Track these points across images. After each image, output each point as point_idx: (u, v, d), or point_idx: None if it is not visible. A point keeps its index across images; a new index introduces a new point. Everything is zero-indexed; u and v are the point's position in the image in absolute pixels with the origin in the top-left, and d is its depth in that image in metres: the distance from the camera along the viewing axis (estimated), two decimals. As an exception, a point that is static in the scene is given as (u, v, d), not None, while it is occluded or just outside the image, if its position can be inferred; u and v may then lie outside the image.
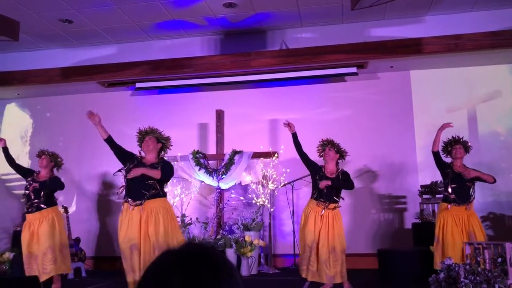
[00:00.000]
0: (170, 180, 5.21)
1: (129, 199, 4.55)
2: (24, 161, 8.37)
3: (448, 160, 5.40)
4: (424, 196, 6.66)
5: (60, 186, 5.55)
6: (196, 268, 0.93)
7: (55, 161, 5.68)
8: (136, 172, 4.46)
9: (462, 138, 5.37)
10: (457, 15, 7.05)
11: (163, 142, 4.83)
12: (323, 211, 4.98)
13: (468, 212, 5.11)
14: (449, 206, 5.12)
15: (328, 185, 4.98)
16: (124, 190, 4.67)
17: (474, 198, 5.19)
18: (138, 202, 4.51)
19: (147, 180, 4.53)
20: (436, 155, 5.28)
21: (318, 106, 7.60)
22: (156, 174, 4.56)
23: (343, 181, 5.11)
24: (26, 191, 5.47)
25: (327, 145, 5.21)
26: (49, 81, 7.73)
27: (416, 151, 7.21)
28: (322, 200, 5.04)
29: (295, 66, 7.20)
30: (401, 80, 7.46)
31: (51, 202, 5.50)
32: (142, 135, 4.81)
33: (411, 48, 6.78)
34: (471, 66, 7.21)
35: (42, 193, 5.38)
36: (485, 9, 6.94)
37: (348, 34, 7.18)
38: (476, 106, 7.24)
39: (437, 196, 6.57)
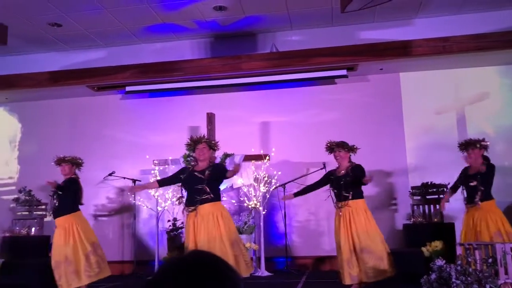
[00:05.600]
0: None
1: (186, 207, 4.77)
2: (14, 167, 8.30)
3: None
4: (415, 197, 6.70)
5: (72, 186, 5.41)
6: (201, 274, 0.98)
7: (75, 163, 5.61)
8: (137, 189, 5.14)
9: (484, 139, 5.39)
10: (445, 17, 7.13)
11: (214, 148, 5.04)
12: (340, 211, 4.94)
13: (479, 211, 5.10)
14: (466, 208, 5.35)
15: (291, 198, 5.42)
16: (184, 199, 4.85)
17: (481, 195, 5.11)
18: (191, 208, 4.66)
19: (196, 185, 4.66)
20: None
21: (309, 109, 7.62)
22: (153, 185, 5.35)
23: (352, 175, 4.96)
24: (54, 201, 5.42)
25: (336, 147, 5.15)
26: (38, 85, 7.66)
27: (407, 152, 7.26)
28: (335, 201, 5.06)
29: (285, 69, 7.21)
30: (390, 82, 7.51)
31: (71, 207, 5.36)
32: (195, 143, 4.91)
33: (400, 51, 6.82)
34: (459, 68, 7.29)
35: (55, 196, 5.34)
36: (472, 12, 7.02)
37: (338, 37, 7.22)
38: (465, 107, 7.32)
39: (427, 197, 6.63)
